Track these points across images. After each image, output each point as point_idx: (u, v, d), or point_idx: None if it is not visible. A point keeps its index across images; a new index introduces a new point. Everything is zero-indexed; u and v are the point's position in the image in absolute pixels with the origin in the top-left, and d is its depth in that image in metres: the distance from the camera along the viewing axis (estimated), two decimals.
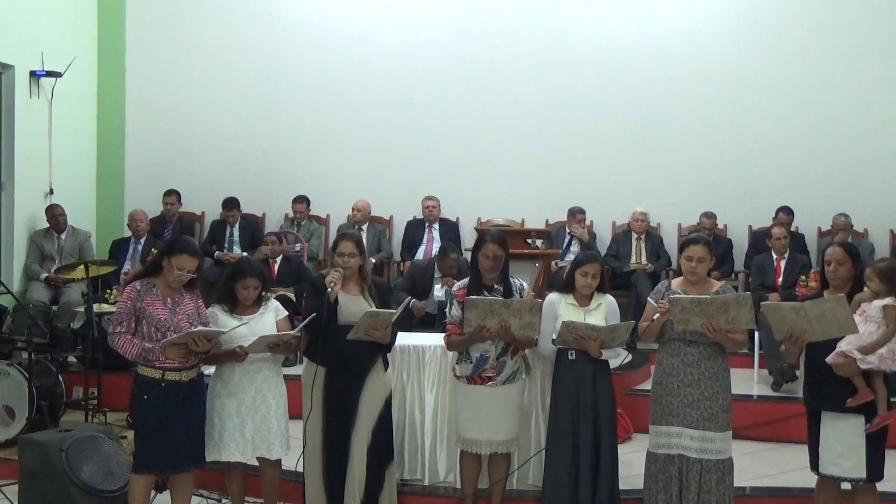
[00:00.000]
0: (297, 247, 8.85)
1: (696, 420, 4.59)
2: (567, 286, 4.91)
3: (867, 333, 4.32)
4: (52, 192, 8.78)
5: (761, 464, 6.04)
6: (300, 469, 4.88)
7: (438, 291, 7.57)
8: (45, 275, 8.22)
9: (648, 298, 4.85)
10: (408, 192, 9.48)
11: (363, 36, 9.68)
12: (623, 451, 5.16)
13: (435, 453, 5.37)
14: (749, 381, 7.36)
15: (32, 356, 5.96)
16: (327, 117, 9.68)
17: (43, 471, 4.93)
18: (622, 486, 4.92)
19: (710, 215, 9.02)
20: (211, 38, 9.76)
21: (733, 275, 9.00)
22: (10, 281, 7.98)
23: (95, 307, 6.63)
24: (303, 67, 9.70)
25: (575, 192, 9.28)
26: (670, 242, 9.05)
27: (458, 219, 9.54)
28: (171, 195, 9.36)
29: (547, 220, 9.50)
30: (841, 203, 8.88)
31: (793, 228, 8.82)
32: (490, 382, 4.80)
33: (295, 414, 4.91)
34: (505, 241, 4.86)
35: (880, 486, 4.51)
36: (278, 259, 8.41)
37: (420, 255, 9.09)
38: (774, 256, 8.24)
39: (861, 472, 4.37)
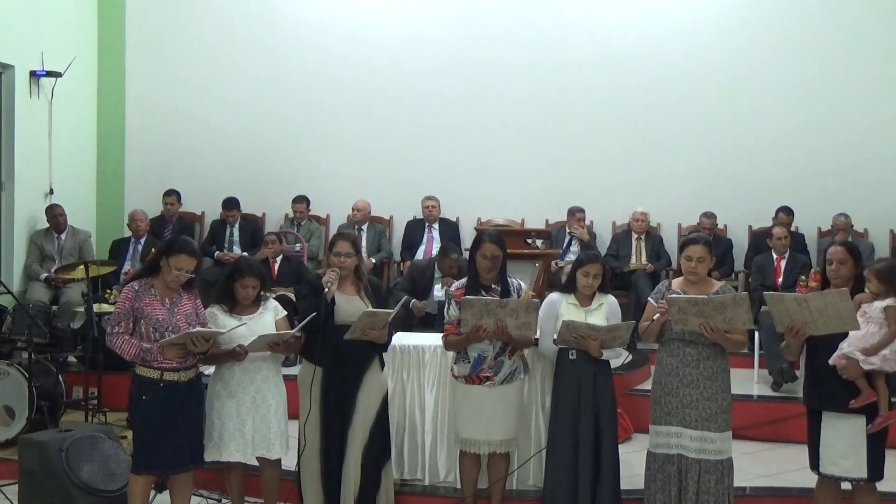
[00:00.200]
0: (297, 247, 8.84)
1: (695, 420, 4.59)
2: (568, 286, 4.92)
3: (869, 334, 4.32)
4: (52, 192, 8.78)
5: (761, 464, 6.04)
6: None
7: (438, 291, 7.54)
8: (45, 275, 8.21)
9: (649, 298, 4.85)
10: (408, 192, 9.48)
11: (363, 36, 9.67)
12: (623, 451, 5.15)
13: (435, 453, 5.37)
14: (749, 381, 7.36)
15: (32, 356, 5.97)
16: (327, 117, 9.68)
17: (43, 471, 4.93)
18: (622, 486, 4.91)
19: (710, 215, 9.01)
20: (211, 38, 9.77)
21: (733, 275, 8.99)
22: (10, 281, 7.98)
23: (95, 307, 6.63)
24: (303, 67, 9.70)
25: (575, 192, 9.28)
26: (670, 242, 9.04)
27: (457, 219, 9.54)
28: (171, 195, 9.37)
29: (547, 220, 9.50)
30: (841, 203, 8.87)
31: (793, 228, 8.81)
32: (488, 382, 4.80)
33: (292, 414, 4.91)
34: (503, 241, 4.86)
35: (880, 486, 4.51)
36: (278, 259, 8.41)
37: (420, 255, 9.08)
38: (775, 256, 8.23)
39: (862, 472, 4.36)
